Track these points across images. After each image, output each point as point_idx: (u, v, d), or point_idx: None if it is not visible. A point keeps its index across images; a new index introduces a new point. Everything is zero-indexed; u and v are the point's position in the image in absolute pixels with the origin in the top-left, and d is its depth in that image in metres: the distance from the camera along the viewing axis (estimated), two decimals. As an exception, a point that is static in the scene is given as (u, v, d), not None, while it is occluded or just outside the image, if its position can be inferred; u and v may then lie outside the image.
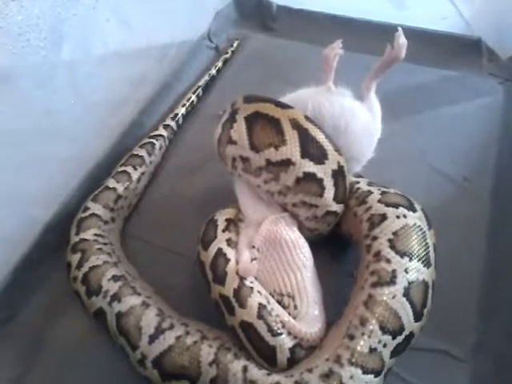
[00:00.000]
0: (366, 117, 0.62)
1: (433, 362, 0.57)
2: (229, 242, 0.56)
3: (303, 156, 0.52)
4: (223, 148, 0.58)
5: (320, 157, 0.53)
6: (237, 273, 0.53)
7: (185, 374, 0.50)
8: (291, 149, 0.52)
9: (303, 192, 0.54)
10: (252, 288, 0.52)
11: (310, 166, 0.53)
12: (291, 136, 0.52)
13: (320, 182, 0.54)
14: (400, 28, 0.60)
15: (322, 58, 0.66)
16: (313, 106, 0.58)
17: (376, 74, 0.64)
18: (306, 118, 0.54)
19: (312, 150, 0.53)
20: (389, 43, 0.61)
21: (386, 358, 0.48)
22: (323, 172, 0.53)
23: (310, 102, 0.58)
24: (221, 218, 0.59)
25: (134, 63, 0.84)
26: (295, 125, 0.53)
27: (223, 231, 0.57)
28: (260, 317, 0.50)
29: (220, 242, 0.56)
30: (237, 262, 0.54)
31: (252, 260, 0.54)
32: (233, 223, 0.59)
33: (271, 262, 0.55)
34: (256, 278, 0.54)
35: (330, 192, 0.55)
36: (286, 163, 0.52)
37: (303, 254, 0.55)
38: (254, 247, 0.55)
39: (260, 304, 0.51)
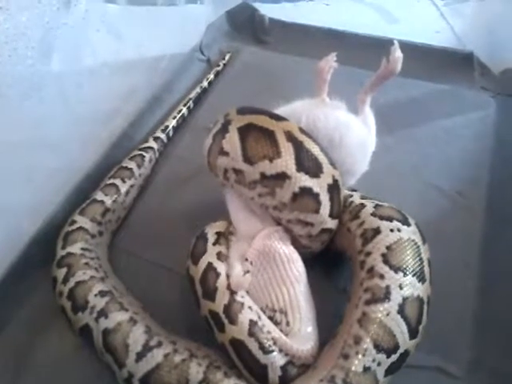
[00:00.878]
0: (361, 130, 0.62)
1: (428, 379, 0.56)
2: (219, 255, 0.55)
3: (299, 169, 0.51)
4: (214, 159, 0.57)
5: (315, 170, 0.52)
6: (228, 287, 0.51)
7: (173, 393, 0.48)
8: (286, 161, 0.51)
9: (299, 210, 0.53)
10: (243, 303, 0.50)
11: (305, 180, 0.51)
12: (286, 148, 0.51)
13: (316, 196, 0.52)
14: (396, 41, 0.60)
15: (316, 71, 0.66)
16: (307, 119, 0.57)
17: (371, 87, 0.64)
18: (301, 130, 0.53)
19: (307, 163, 0.51)
20: (384, 57, 0.61)
21: (380, 377, 0.47)
22: (319, 186, 0.52)
23: (305, 115, 0.57)
24: (211, 231, 0.58)
25: (124, 75, 0.84)
26: (290, 137, 0.52)
27: (213, 245, 0.56)
28: (251, 334, 0.48)
29: (210, 255, 0.54)
30: (227, 276, 0.52)
31: (244, 273, 0.52)
32: (223, 236, 0.58)
33: (264, 275, 0.53)
34: (247, 293, 0.53)
35: (325, 208, 0.53)
36: (282, 177, 0.51)
37: (296, 268, 0.54)
38: (246, 260, 0.54)
39: (251, 320, 0.49)
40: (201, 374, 0.49)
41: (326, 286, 0.58)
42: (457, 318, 0.61)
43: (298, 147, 0.52)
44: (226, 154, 0.54)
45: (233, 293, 0.51)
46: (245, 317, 0.49)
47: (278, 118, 0.54)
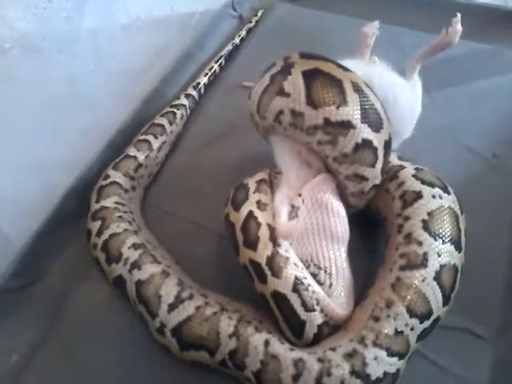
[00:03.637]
0: (412, 94, 0.62)
1: (456, 340, 0.56)
2: (259, 204, 0.53)
3: (363, 121, 0.50)
4: (269, 99, 0.54)
5: (377, 125, 0.51)
6: (270, 238, 0.50)
7: (203, 344, 0.50)
8: (353, 111, 0.50)
9: (359, 162, 0.52)
10: (287, 258, 0.50)
11: (368, 133, 0.51)
12: (353, 98, 0.50)
13: (375, 151, 0.52)
14: (459, 14, 0.59)
15: (360, 36, 0.66)
16: (362, 76, 0.55)
17: (424, 55, 0.63)
18: (366, 84, 0.53)
19: (371, 117, 0.51)
20: (444, 27, 0.60)
21: (411, 342, 0.47)
22: (378, 141, 0.52)
23: (359, 72, 0.55)
24: (251, 180, 0.57)
25: (156, 31, 0.83)
26: (356, 88, 0.51)
27: (254, 193, 0.55)
28: (295, 290, 0.49)
29: (251, 204, 0.53)
30: (268, 226, 0.51)
31: (292, 218, 0.52)
32: (264, 183, 0.57)
33: (313, 221, 0.53)
34: (292, 239, 0.53)
35: (380, 163, 0.53)
36: (346, 125, 0.50)
37: (344, 226, 0.53)
38: (300, 195, 0.53)
39: (296, 277, 0.49)
40: (231, 327, 0.50)
41: (356, 246, 0.57)
42: (488, 281, 0.60)
43: (364, 99, 0.51)
44: (286, 94, 0.52)
45: (276, 245, 0.51)
46: (290, 272, 0.49)
47: (345, 68, 0.53)
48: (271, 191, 0.56)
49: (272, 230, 0.51)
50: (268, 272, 0.49)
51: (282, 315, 0.50)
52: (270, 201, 0.54)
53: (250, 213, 0.52)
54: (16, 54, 0.54)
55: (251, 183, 0.56)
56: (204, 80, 0.88)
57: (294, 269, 0.50)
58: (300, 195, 0.53)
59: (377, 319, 0.47)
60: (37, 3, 0.55)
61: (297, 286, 0.49)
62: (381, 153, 0.53)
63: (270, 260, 0.49)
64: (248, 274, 0.52)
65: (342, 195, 0.56)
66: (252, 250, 0.51)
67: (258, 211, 0.53)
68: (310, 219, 0.53)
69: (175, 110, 0.81)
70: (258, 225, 0.51)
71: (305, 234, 0.53)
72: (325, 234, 0.52)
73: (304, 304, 0.48)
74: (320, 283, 0.51)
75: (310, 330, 0.49)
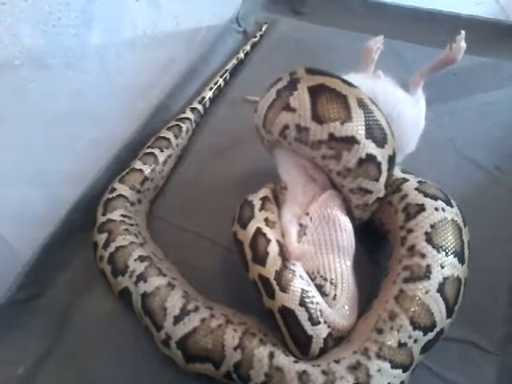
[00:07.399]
0: (416, 109, 0.62)
1: (460, 352, 0.56)
2: (267, 221, 0.54)
3: (367, 136, 0.51)
4: (275, 114, 0.55)
5: (381, 140, 0.52)
6: (280, 254, 0.51)
7: (208, 356, 0.50)
8: (357, 127, 0.51)
9: (363, 176, 0.53)
10: (294, 272, 0.51)
11: (372, 148, 0.51)
12: (357, 114, 0.51)
13: (379, 165, 0.53)
14: (463, 32, 0.60)
15: (365, 51, 0.67)
16: (366, 91, 0.56)
17: (428, 71, 0.63)
18: (371, 99, 0.53)
19: (375, 132, 0.52)
20: (448, 43, 0.61)
21: (415, 354, 0.47)
22: (382, 156, 0.52)
23: (364, 87, 0.56)
24: (255, 198, 0.57)
25: (162, 46, 0.84)
26: (361, 104, 0.52)
27: (260, 210, 0.55)
28: (302, 304, 0.49)
29: (258, 221, 0.54)
30: (278, 242, 0.52)
31: (301, 236, 0.53)
32: (268, 201, 0.57)
33: (320, 236, 0.53)
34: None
35: (384, 177, 0.54)
36: (351, 141, 0.51)
37: (351, 241, 0.54)
38: (307, 214, 0.54)
39: (303, 290, 0.49)
40: (236, 339, 0.50)
41: (360, 259, 0.57)
42: (490, 293, 0.60)
43: (369, 115, 0.52)
44: (292, 110, 0.53)
45: (285, 259, 0.51)
46: (297, 286, 0.49)
47: (350, 84, 0.54)
48: (277, 207, 0.57)
49: (281, 245, 0.52)
50: (276, 287, 0.49)
51: (289, 331, 0.50)
52: (277, 218, 0.55)
53: (258, 230, 0.53)
54: (25, 70, 0.55)
55: (255, 200, 0.57)
56: (209, 94, 0.90)
57: (300, 282, 0.50)
58: (308, 214, 0.54)
59: (380, 331, 0.47)
60: (46, 21, 0.56)
61: (303, 299, 0.49)
62: (385, 167, 0.53)
63: (279, 274, 0.50)
64: (257, 290, 0.53)
65: (347, 208, 0.56)
66: (261, 265, 0.51)
67: (267, 228, 0.53)
68: (317, 235, 0.54)
69: (181, 124, 0.82)
70: (268, 241, 0.52)
71: (312, 248, 0.53)
72: (332, 248, 0.53)
73: (311, 318, 0.48)
74: (325, 294, 0.51)
75: (317, 345, 0.49)
